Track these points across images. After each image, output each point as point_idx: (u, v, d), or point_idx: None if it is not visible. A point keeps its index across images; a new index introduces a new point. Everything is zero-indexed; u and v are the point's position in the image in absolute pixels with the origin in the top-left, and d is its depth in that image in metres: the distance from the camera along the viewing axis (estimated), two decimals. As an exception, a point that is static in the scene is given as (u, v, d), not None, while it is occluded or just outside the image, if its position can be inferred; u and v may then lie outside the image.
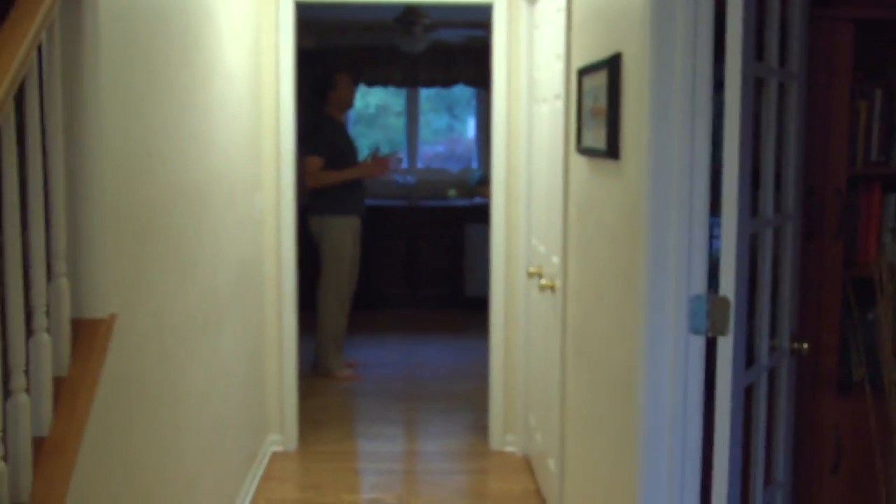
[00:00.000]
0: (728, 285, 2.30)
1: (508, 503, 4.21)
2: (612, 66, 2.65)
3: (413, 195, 8.49)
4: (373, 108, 9.28)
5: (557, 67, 3.81)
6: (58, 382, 2.15)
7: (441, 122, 9.33)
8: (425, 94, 8.94)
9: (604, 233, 2.87)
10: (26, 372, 1.99)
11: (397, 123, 9.05)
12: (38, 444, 2.05)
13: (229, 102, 3.82)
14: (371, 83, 8.42)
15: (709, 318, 2.35)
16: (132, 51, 2.57)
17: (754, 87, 2.32)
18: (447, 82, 8.49)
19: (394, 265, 8.19)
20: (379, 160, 6.02)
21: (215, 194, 3.54)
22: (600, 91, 2.82)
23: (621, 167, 2.63)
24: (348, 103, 6.10)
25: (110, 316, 2.34)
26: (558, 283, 3.82)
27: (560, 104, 3.76)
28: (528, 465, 4.64)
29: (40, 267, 2.06)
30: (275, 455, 4.73)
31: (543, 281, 3.97)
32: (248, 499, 4.14)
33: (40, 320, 2.07)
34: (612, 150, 2.66)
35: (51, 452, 2.06)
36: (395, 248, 8.16)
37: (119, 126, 2.43)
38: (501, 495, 4.31)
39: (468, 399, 5.70)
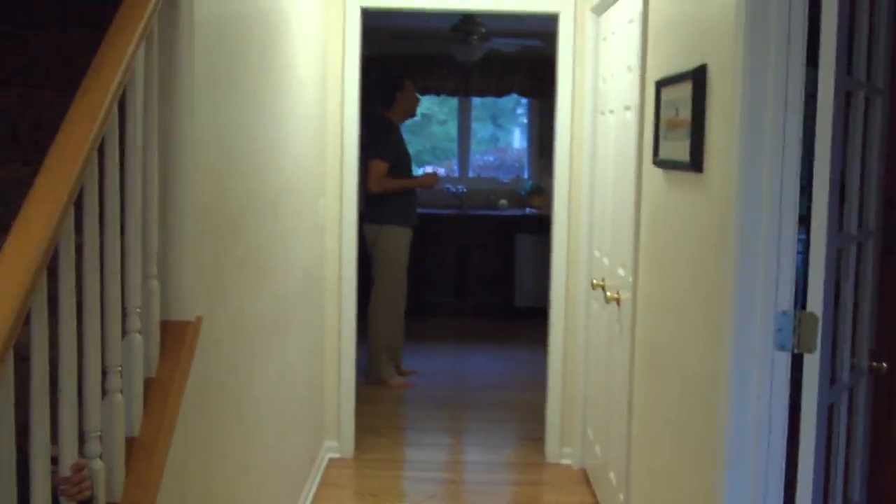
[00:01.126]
0: (816, 301, 2.27)
1: (567, 516, 4.18)
2: (696, 77, 2.63)
3: (464, 204, 8.49)
4: (419, 116, 9.32)
5: (628, 79, 3.79)
6: (147, 383, 2.17)
7: (486, 132, 9.33)
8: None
9: (681, 245, 2.85)
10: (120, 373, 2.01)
11: (440, 132, 9.06)
12: (129, 444, 2.06)
13: (300, 108, 3.84)
14: (424, 91, 8.43)
15: (795, 334, 2.32)
16: (217, 58, 2.59)
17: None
18: (499, 92, 8.49)
19: (443, 274, 8.20)
20: (428, 175, 6.08)
21: (286, 200, 3.56)
22: (682, 103, 2.80)
23: (704, 180, 2.61)
24: (412, 110, 6.12)
25: (197, 318, 2.36)
26: (624, 296, 3.80)
27: (631, 116, 3.75)
28: (585, 478, 4.60)
29: (136, 268, 2.07)
30: (331, 461, 4.74)
31: (609, 293, 3.94)
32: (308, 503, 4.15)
33: (134, 321, 2.08)
34: (695, 162, 2.64)
35: (141, 453, 2.07)
36: (445, 257, 8.17)
37: (206, 131, 2.45)
38: (558, 508, 4.28)
39: (520, 409, 5.68)
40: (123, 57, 1.92)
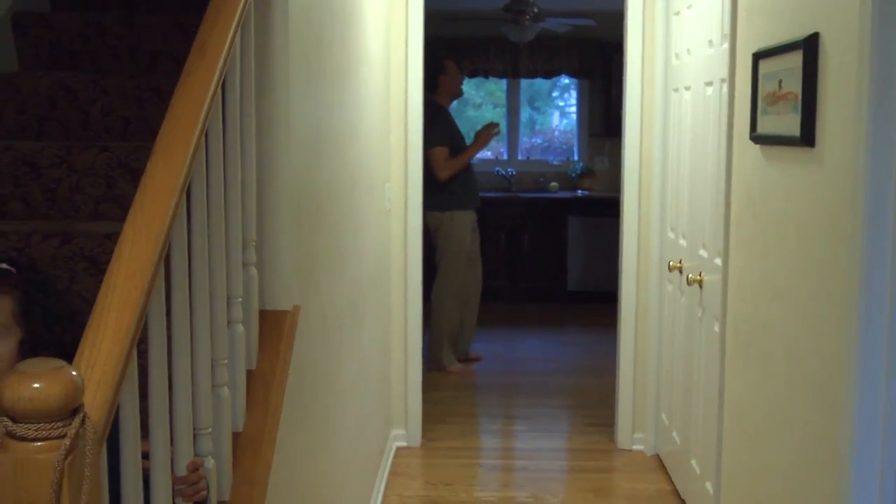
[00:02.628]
0: (949, 283, 2.14)
1: (645, 503, 4.06)
2: (808, 47, 2.49)
3: (513, 187, 8.36)
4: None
5: (710, 53, 3.65)
6: (248, 376, 2.07)
7: (523, 115, 9.18)
8: (503, 87, 8.81)
9: (787, 225, 2.72)
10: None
11: (476, 116, 8.91)
12: (234, 439, 1.97)
13: (370, 91, 3.74)
14: (472, 74, 8.30)
15: (925, 317, 2.18)
16: (304, 39, 2.48)
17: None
18: (548, 73, 8.35)
19: (494, 258, 8.07)
20: (481, 132, 5.94)
21: (361, 184, 3.46)
22: (788, 75, 2.66)
23: (817, 154, 2.47)
24: (458, 90, 6.03)
25: (294, 307, 2.27)
26: (708, 278, 3.67)
27: (713, 91, 3.61)
28: (659, 465, 4.49)
29: (238, 255, 1.98)
30: (399, 450, 4.65)
31: (690, 275, 3.81)
32: (380, 495, 4.07)
33: (237, 311, 1.99)
34: (806, 136, 2.50)
35: (247, 449, 1.98)
36: (496, 241, 8.05)
37: (297, 115, 2.35)
38: (636, 495, 4.17)
39: (583, 394, 5.58)
40: (226, 36, 1.82)
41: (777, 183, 2.83)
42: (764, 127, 2.91)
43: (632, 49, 4.57)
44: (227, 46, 1.81)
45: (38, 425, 1.10)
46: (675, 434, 4.26)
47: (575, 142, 8.65)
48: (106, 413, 1.23)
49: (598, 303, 7.81)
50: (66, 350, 1.74)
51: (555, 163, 8.53)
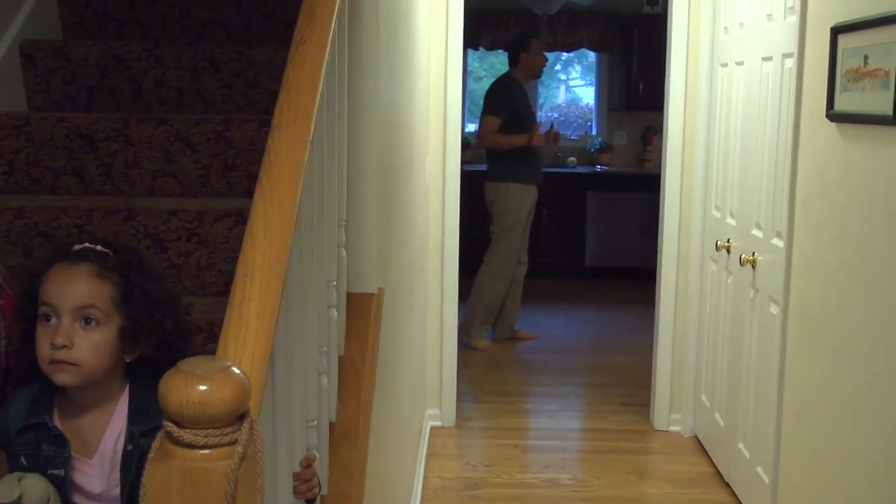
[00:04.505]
0: None
1: (690, 486, 4.00)
2: (906, 23, 2.39)
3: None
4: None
5: (770, 27, 3.55)
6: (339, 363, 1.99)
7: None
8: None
9: (871, 207, 2.63)
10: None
11: (477, 88, 8.77)
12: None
13: (413, 63, 3.63)
14: (491, 47, 8.17)
15: None
16: (385, 12, 2.38)
17: None
18: (568, 46, 8.22)
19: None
20: (538, 136, 5.80)
21: (413, 161, 3.37)
22: (876, 50, 2.56)
23: (913, 136, 2.38)
24: (538, 70, 5.95)
25: (379, 290, 2.17)
26: (763, 258, 3.59)
27: (773, 66, 3.51)
28: (698, 447, 4.43)
29: (334, 236, 1.88)
30: (433, 430, 4.58)
31: (744, 255, 3.73)
32: (421, 476, 3.99)
33: (332, 295, 1.90)
34: (901, 116, 2.41)
35: (343, 440, 1.90)
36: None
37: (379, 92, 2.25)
38: (678, 477, 4.11)
39: (614, 373, 5.52)
40: (335, 4, 1.71)
41: (857, 163, 2.73)
42: (843, 104, 2.81)
43: (677, 22, 4.46)
44: (336, 11, 1.70)
45: (208, 431, 1.00)
46: (717, 416, 4.19)
47: (594, 116, 8.53)
48: (258, 413, 1.14)
49: (617, 279, 7.77)
50: (168, 337, 1.65)
51: (573, 137, 8.42)
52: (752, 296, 3.73)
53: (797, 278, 3.23)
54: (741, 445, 3.84)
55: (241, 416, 1.04)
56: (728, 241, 4.04)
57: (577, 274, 7.88)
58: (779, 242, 3.42)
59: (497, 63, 8.84)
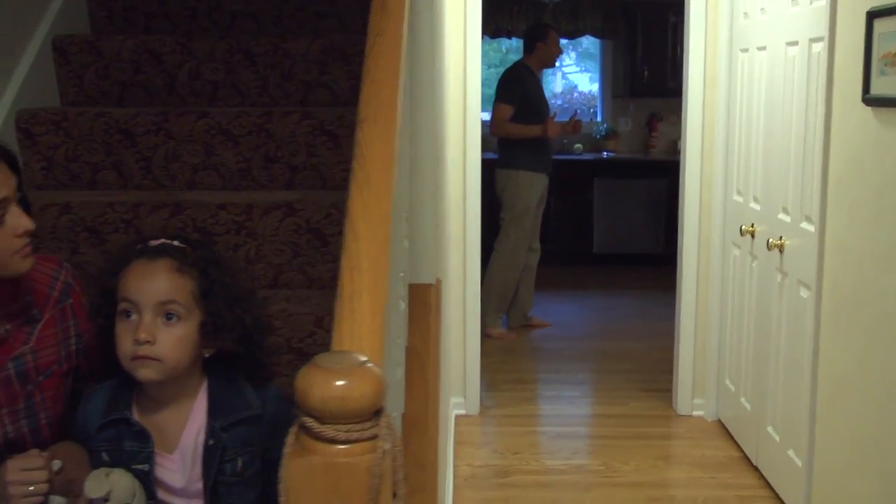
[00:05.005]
0: None
1: (719, 470, 4.02)
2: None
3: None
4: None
5: (795, 12, 3.55)
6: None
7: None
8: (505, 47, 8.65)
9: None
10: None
11: (487, 74, 8.75)
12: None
13: (443, 51, 3.62)
14: (495, 34, 8.16)
15: None
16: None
17: None
18: (572, 34, 8.21)
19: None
20: (553, 124, 5.78)
21: (445, 149, 3.36)
22: (919, 34, 2.56)
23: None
24: (552, 61, 5.94)
25: (437, 281, 2.17)
26: (790, 242, 3.60)
27: (799, 51, 3.52)
28: (722, 431, 4.44)
29: (401, 227, 1.88)
30: (458, 418, 4.58)
31: (771, 239, 3.74)
32: (450, 465, 4.00)
33: (398, 287, 1.89)
34: (948, 99, 2.41)
35: (413, 430, 1.90)
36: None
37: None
38: (705, 462, 4.12)
39: (630, 359, 5.53)
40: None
41: (894, 146, 2.74)
42: (880, 88, 2.82)
43: (695, 8, 4.45)
44: (407, 1, 1.70)
45: (349, 426, 1.00)
46: (743, 400, 4.21)
47: (598, 103, 8.53)
48: (380, 409, 1.13)
49: (625, 266, 7.78)
50: (248, 332, 1.64)
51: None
52: (779, 280, 3.74)
53: (830, 261, 3.24)
54: (770, 429, 3.85)
55: (377, 412, 1.03)
56: (752, 226, 4.04)
57: (584, 261, 7.89)
58: (808, 226, 3.42)
59: (489, 51, 8.82)
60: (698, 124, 4.50)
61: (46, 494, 1.62)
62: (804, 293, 3.47)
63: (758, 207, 4.03)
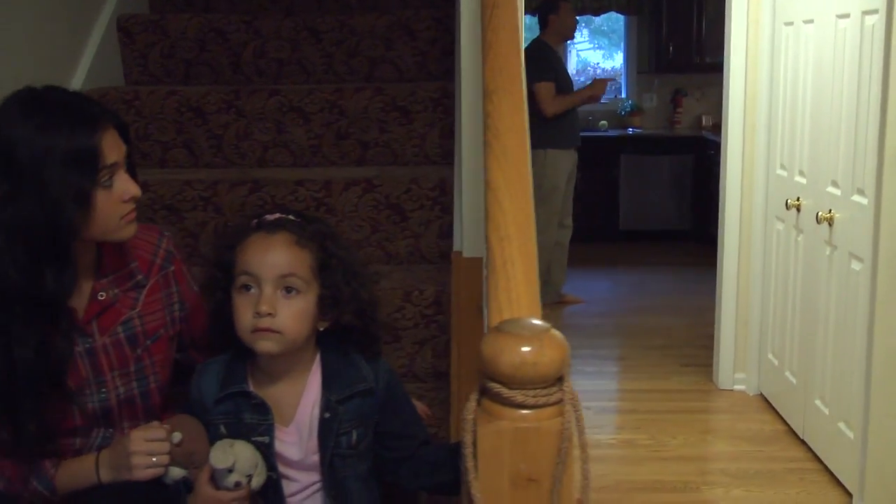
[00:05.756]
0: None
1: (766, 444, 4.04)
2: None
3: (561, 126, 8.24)
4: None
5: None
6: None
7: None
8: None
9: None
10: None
11: None
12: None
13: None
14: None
15: None
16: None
17: None
18: (596, 10, 8.20)
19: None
20: (598, 81, 5.78)
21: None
22: None
23: None
24: (570, 32, 5.88)
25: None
26: (840, 215, 3.61)
27: (850, 23, 3.51)
28: (765, 405, 4.47)
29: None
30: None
31: (820, 213, 3.75)
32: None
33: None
34: None
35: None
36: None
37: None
38: (752, 436, 4.15)
39: (667, 335, 5.54)
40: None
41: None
42: (947, 60, 2.81)
43: (737, -19, 4.44)
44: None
45: (536, 391, 1.02)
46: (788, 374, 4.22)
47: (623, 79, 8.51)
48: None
49: (651, 242, 7.80)
50: (363, 307, 1.66)
51: (603, 101, 8.39)
52: (828, 253, 3.75)
53: (886, 234, 3.25)
54: (818, 402, 3.87)
55: (559, 378, 1.05)
56: (798, 200, 4.05)
57: (611, 237, 7.89)
58: (861, 199, 3.43)
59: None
60: (740, 99, 4.50)
61: (166, 466, 1.64)
62: (856, 265, 3.48)
63: (804, 181, 4.04)
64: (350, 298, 1.65)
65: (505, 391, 1.01)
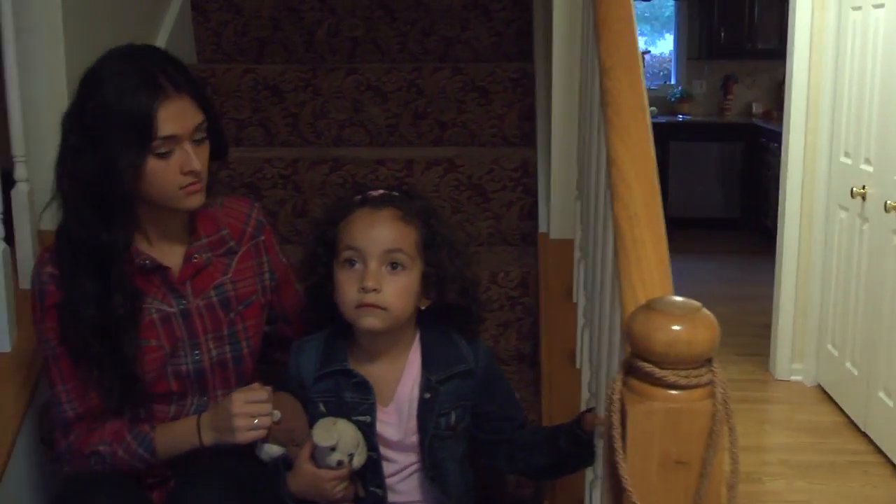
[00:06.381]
0: None
1: (827, 435, 4.00)
2: None
3: (609, 112, 8.18)
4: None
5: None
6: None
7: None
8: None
9: None
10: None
11: None
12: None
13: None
14: None
15: None
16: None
17: None
18: (647, -6, 8.12)
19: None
20: None
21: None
22: None
23: None
24: None
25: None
26: (914, 204, 3.55)
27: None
28: (823, 396, 4.41)
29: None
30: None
31: (889, 201, 3.68)
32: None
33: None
34: None
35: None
36: (595, 168, 7.91)
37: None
38: (812, 427, 4.10)
39: (720, 324, 5.47)
40: None
41: None
42: None
43: (803, -35, 4.37)
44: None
45: (687, 371, 1.00)
46: (849, 365, 4.17)
47: (672, 65, 8.43)
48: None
49: (700, 230, 7.73)
50: (466, 286, 1.64)
51: (652, 87, 8.32)
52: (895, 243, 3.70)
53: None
54: (882, 394, 3.81)
55: (708, 359, 1.03)
56: (864, 188, 3.99)
57: (659, 224, 7.82)
58: (934, 187, 3.37)
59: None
60: (803, 86, 4.42)
61: (264, 442, 1.63)
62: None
63: (870, 169, 3.97)
64: (454, 277, 1.63)
65: (657, 371, 0.99)
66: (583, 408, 1.79)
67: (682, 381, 0.99)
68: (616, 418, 1.02)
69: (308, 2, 2.90)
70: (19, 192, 2.09)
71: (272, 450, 1.65)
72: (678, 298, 1.03)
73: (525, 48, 2.85)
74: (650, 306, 1.01)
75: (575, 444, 1.60)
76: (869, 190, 3.96)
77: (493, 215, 2.40)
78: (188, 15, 2.91)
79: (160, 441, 1.63)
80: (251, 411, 1.58)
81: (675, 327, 0.98)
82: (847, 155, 4.23)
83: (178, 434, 1.64)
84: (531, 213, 2.41)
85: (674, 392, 1.00)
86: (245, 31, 2.93)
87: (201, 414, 1.65)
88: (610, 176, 1.31)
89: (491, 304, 2.14)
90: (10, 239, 2.08)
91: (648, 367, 1.00)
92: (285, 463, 1.64)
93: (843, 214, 4.26)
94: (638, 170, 1.29)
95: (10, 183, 2.10)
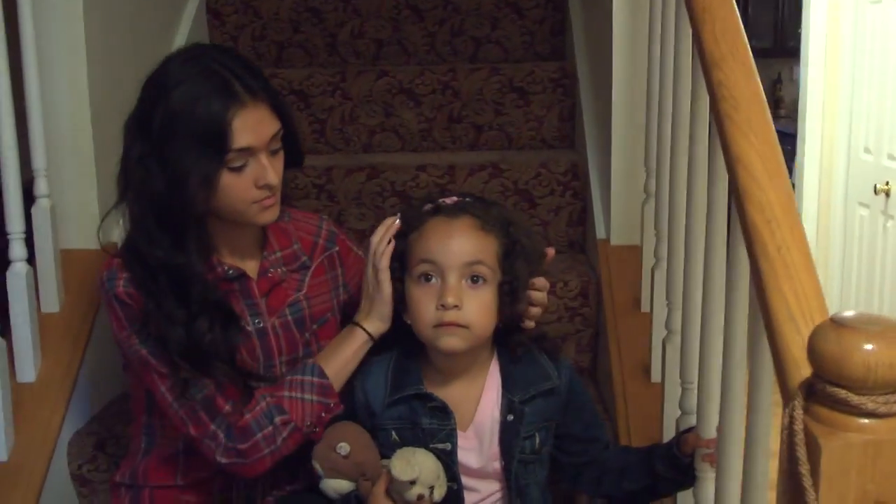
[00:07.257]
0: None
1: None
2: None
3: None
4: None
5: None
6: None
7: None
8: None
9: None
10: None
11: None
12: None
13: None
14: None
15: None
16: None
17: None
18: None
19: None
20: None
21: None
22: None
23: None
24: None
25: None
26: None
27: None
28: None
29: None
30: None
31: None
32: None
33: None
34: None
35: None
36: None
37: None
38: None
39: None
40: None
41: None
42: None
43: (818, -41, 4.29)
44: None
45: (885, 397, 0.87)
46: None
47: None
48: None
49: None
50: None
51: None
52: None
53: None
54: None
55: (902, 381, 0.90)
56: (887, 184, 3.91)
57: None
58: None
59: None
60: (819, 83, 4.35)
61: (331, 478, 1.49)
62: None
63: (893, 165, 3.89)
64: (528, 286, 1.50)
65: (853, 397, 0.86)
66: (669, 426, 1.67)
67: (883, 409, 0.86)
68: (802, 452, 0.89)
69: (330, 2, 2.77)
70: (40, 210, 1.94)
71: (342, 485, 1.50)
72: (870, 314, 0.90)
73: (558, 46, 2.74)
74: (840, 322, 0.88)
75: (672, 467, 1.47)
76: (893, 186, 3.88)
77: (540, 221, 2.28)
78: (203, 20, 2.76)
79: (322, 360, 1.52)
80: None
81: (874, 347, 0.85)
82: (868, 151, 4.14)
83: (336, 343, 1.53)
84: (580, 219, 2.29)
85: (869, 421, 0.87)
86: (263, 35, 2.79)
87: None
88: (737, 177, 1.18)
89: (549, 316, 2.01)
90: (30, 259, 1.93)
91: (843, 393, 0.87)
92: (357, 500, 1.50)
93: (863, 212, 4.18)
94: (770, 169, 1.16)
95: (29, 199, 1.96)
